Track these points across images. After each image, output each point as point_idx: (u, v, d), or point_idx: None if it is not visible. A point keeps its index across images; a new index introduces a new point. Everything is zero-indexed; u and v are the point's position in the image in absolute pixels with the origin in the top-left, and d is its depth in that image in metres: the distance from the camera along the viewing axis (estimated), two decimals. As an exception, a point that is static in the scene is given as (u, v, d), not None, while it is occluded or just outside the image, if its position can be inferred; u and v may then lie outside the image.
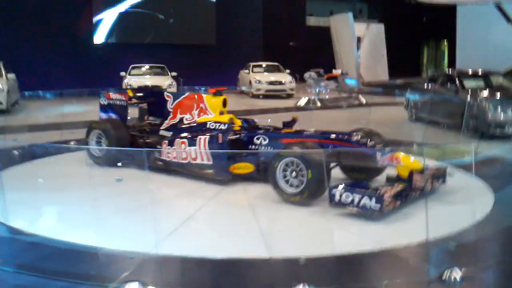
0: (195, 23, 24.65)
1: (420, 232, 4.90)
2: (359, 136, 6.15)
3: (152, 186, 6.63)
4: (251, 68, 21.10)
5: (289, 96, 19.74)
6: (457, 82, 11.89)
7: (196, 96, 7.45)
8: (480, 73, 12.62)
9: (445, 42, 36.69)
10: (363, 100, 18.12)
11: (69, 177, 6.94)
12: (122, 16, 23.39)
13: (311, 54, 27.26)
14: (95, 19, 22.81)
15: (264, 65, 21.56)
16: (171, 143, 6.92)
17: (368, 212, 5.04)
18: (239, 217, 5.44)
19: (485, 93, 11.12)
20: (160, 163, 7.04)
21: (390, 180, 6.01)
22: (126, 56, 20.07)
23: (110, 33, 23.09)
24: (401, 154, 5.74)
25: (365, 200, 5.03)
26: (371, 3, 37.29)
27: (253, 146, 6.58)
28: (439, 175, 6.05)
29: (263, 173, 6.22)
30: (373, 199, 5.00)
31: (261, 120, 8.30)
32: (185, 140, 6.74)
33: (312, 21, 33.19)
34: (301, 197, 5.53)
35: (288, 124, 7.08)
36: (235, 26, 25.42)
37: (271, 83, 19.85)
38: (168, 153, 6.93)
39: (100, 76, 19.72)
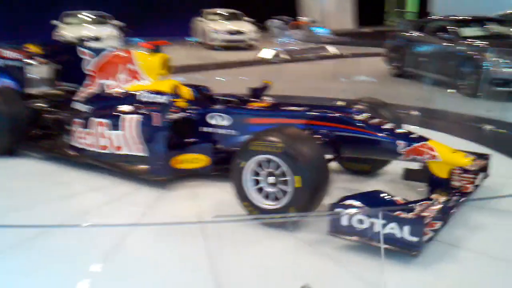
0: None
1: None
2: (365, 113, 4.09)
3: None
4: (206, 16, 18.57)
5: (250, 47, 17.43)
6: (452, 30, 9.96)
7: (123, 53, 5.18)
8: (475, 19, 10.66)
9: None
10: (335, 50, 16.00)
11: None
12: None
13: (274, 1, 24.77)
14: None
15: (222, 13, 19.00)
16: (85, 124, 4.72)
17: (398, 247, 3.02)
18: (182, 251, 3.32)
19: (486, 43, 9.21)
20: (72, 152, 4.86)
21: (413, 177, 4.07)
22: (62, 3, 17.00)
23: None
24: (434, 143, 3.74)
25: (393, 229, 3.02)
26: None
27: (208, 129, 4.46)
28: (482, 167, 4.07)
29: (222, 169, 4.17)
30: (407, 228, 2.99)
31: (216, 84, 6.15)
32: (105, 120, 4.55)
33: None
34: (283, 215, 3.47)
35: (257, 93, 4.94)
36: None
37: (230, 32, 17.46)
38: (81, 137, 4.74)
39: (26, 25, 16.66)
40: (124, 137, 4.40)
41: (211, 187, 4.31)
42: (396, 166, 4.37)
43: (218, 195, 4.10)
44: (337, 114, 4.00)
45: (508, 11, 13.29)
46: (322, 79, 11.20)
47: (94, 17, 16.08)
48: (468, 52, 9.11)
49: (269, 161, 3.49)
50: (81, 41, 12.77)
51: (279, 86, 5.35)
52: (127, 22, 16.29)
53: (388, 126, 3.88)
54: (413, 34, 11.14)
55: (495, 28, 10.45)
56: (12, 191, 4.39)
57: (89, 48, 5.39)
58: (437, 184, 3.64)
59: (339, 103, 4.69)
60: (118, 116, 4.46)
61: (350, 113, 4.02)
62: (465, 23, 10.36)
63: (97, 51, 5.31)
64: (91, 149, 4.67)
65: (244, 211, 3.61)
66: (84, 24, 15.51)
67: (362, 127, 3.85)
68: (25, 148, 5.22)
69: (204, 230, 3.48)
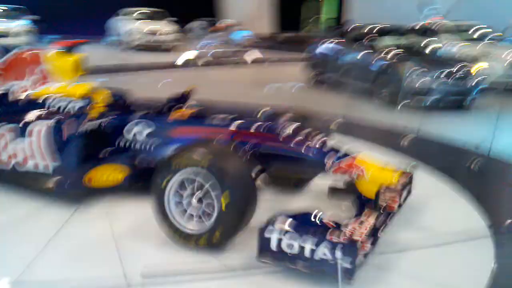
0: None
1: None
2: (292, 125, 3.93)
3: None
4: (125, 15, 17.90)
5: (171, 48, 17.00)
6: (370, 39, 10.16)
7: (34, 52, 4.71)
8: (392, 30, 10.94)
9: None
10: (257, 54, 15.94)
11: None
12: None
13: (195, 2, 24.42)
14: None
15: (141, 12, 18.39)
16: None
17: (331, 273, 2.86)
18: None
19: (401, 54, 9.48)
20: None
21: (338, 196, 3.92)
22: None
23: None
24: (362, 159, 3.65)
25: (326, 254, 2.86)
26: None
27: (127, 138, 4.13)
28: (407, 183, 4.03)
29: (142, 184, 3.87)
30: (340, 250, 2.84)
31: (137, 87, 5.79)
32: (8, 128, 4.08)
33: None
34: (210, 239, 3.22)
35: (181, 98, 4.65)
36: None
37: (150, 33, 16.94)
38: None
39: None
40: (31, 149, 3.96)
41: (128, 204, 3.97)
42: (323, 183, 4.24)
43: (135, 213, 3.76)
44: (263, 127, 3.82)
45: (424, 23, 13.83)
46: (245, 84, 11.05)
47: (2, 10, 14.95)
48: (386, 62, 9.31)
49: (192, 178, 3.23)
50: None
51: (202, 90, 5.10)
52: (40, 19, 15.30)
53: (315, 139, 3.74)
54: (334, 41, 11.24)
55: (412, 38, 10.80)
56: None
57: (-8, 47, 4.88)
58: (364, 203, 3.53)
59: (265, 111, 4.50)
60: (25, 124, 4.01)
61: (276, 125, 3.85)
62: (383, 32, 10.61)
63: (3, 49, 4.82)
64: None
65: (165, 234, 3.33)
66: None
67: (287, 142, 3.69)
68: None
69: (122, 251, 3.19)
